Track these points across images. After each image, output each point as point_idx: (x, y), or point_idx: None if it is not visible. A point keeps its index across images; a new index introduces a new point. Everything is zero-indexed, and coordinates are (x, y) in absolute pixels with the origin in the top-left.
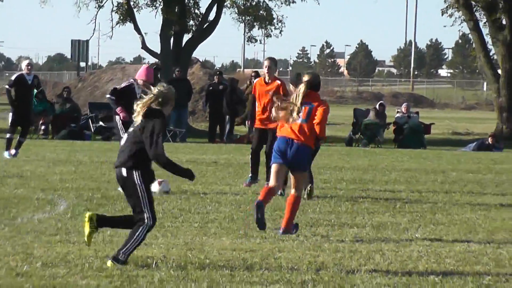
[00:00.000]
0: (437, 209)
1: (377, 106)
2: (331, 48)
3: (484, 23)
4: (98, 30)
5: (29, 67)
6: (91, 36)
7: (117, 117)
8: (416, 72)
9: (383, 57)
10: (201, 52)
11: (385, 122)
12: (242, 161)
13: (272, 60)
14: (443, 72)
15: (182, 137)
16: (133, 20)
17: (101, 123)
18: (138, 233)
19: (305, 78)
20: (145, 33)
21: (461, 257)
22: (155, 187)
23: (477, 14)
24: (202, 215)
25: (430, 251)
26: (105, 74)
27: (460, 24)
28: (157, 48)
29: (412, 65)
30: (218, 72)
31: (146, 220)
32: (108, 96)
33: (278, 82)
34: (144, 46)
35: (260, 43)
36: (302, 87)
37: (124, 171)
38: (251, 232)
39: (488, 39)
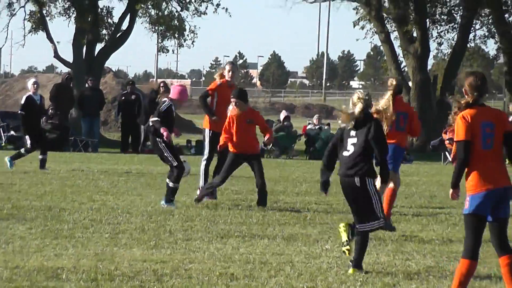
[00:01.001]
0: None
1: (281, 117)
2: (244, 58)
3: (396, 35)
4: (11, 38)
5: (35, 85)
6: (3, 44)
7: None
8: (328, 84)
9: (296, 68)
10: (114, 62)
11: (292, 132)
12: (154, 171)
13: (234, 64)
14: (355, 83)
15: (94, 147)
16: (46, 29)
17: (12, 132)
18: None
19: (393, 82)
20: (57, 42)
21: (370, 268)
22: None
23: (388, 26)
24: (113, 226)
25: (340, 262)
26: (17, 83)
27: (371, 36)
28: (69, 57)
29: (324, 77)
30: (130, 82)
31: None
32: (154, 119)
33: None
34: (57, 55)
35: (173, 53)
36: (389, 95)
37: (357, 180)
38: (162, 243)
39: (399, 51)
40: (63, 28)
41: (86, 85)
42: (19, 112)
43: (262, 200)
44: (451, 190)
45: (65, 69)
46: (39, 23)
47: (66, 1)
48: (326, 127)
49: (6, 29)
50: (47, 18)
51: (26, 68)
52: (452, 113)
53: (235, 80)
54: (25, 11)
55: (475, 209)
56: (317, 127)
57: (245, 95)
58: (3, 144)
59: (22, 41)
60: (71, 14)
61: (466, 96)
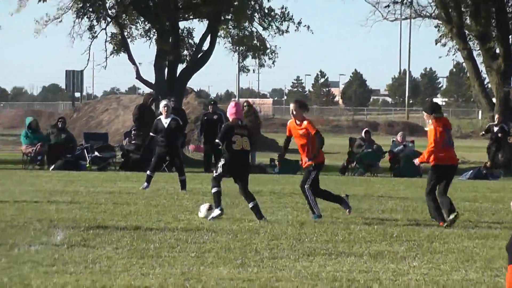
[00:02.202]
0: (434, 238)
1: (363, 134)
2: (326, 77)
3: (478, 52)
4: (93, 61)
5: (165, 108)
6: (85, 67)
7: None
8: (411, 101)
9: (378, 86)
10: (195, 82)
11: (377, 149)
12: (238, 190)
13: (295, 103)
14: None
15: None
16: (127, 51)
17: (96, 153)
18: None
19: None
20: (139, 63)
21: (459, 285)
22: (203, 210)
23: (470, 43)
24: (199, 245)
25: (428, 279)
26: (100, 104)
27: (454, 54)
28: (151, 78)
29: (407, 94)
30: (212, 102)
31: None
32: (216, 141)
33: (305, 122)
34: (139, 76)
35: (254, 72)
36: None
37: None
38: (248, 261)
39: (482, 67)
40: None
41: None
42: (150, 134)
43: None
44: None
45: (147, 90)
46: (121, 45)
47: (146, 22)
48: (410, 144)
49: (88, 51)
50: (128, 40)
51: (108, 90)
52: None
53: (298, 117)
54: (106, 33)
55: None
56: (401, 144)
57: None
58: (87, 165)
59: (104, 63)
60: (151, 35)
61: None
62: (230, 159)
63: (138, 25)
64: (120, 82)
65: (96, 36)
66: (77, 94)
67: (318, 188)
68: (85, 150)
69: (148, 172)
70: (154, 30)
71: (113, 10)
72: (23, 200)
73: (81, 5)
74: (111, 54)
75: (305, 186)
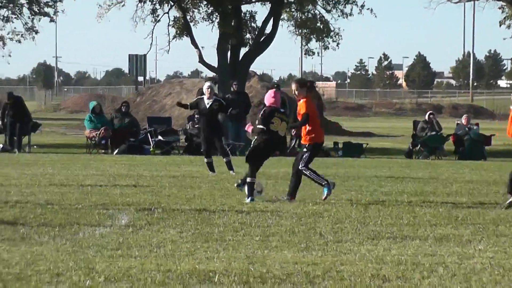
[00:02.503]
0: (500, 221)
1: (427, 117)
2: (389, 60)
3: None
4: (155, 45)
5: (209, 90)
6: (148, 51)
7: None
8: (475, 84)
9: (442, 69)
10: (258, 65)
11: (439, 131)
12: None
13: (296, 82)
14: (503, 83)
15: (241, 151)
16: (190, 34)
17: (160, 137)
18: None
19: None
20: (202, 47)
21: None
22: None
23: None
24: (263, 229)
25: (494, 263)
26: (163, 88)
27: None
28: (214, 62)
29: (471, 77)
30: (275, 85)
31: None
32: (259, 126)
33: (301, 101)
34: (201, 60)
35: (318, 55)
36: None
37: None
38: (312, 245)
39: None
40: (207, 33)
41: (232, 89)
42: (189, 107)
43: None
44: None
45: (210, 74)
46: (183, 28)
47: (209, 6)
48: (475, 127)
49: (151, 35)
50: (191, 24)
51: (171, 74)
52: None
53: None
54: (169, 17)
55: None
56: (466, 127)
57: None
58: (151, 149)
59: (167, 47)
60: (214, 19)
61: None
62: (265, 137)
63: (200, 8)
64: (183, 66)
65: (159, 20)
66: (140, 78)
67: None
68: (148, 134)
69: (205, 160)
70: (216, 14)
71: None
72: (88, 184)
73: None
74: (173, 38)
75: (301, 168)
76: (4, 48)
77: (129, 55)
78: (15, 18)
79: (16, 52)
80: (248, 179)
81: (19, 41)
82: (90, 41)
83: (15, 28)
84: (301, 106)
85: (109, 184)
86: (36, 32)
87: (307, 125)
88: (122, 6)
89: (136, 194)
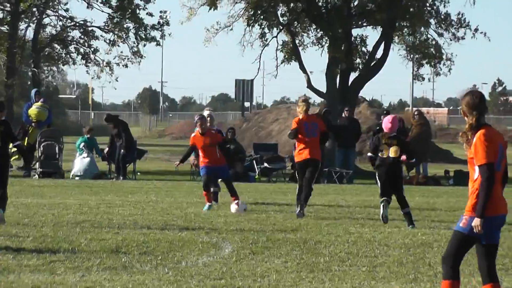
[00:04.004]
0: None
1: None
2: (503, 85)
3: None
4: (263, 69)
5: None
6: (255, 76)
7: None
8: None
9: None
10: (368, 91)
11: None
12: (411, 203)
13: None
14: None
15: (349, 179)
16: (298, 59)
17: (265, 164)
18: None
19: None
20: (310, 72)
21: None
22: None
23: None
24: (370, 259)
25: None
26: (270, 114)
27: None
28: (323, 87)
29: None
30: (385, 112)
31: None
32: (369, 155)
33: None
34: (310, 85)
35: (429, 81)
36: None
37: None
38: (421, 276)
39: None
40: (316, 58)
41: (343, 115)
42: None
43: None
44: (478, 220)
45: (319, 100)
46: (292, 53)
47: (318, 30)
48: None
49: (259, 60)
50: (300, 48)
51: (278, 99)
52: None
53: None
54: (277, 41)
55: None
56: None
57: None
58: (256, 176)
59: (275, 72)
60: (324, 43)
61: (465, 118)
62: (378, 168)
63: (310, 32)
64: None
65: (267, 44)
66: (247, 104)
67: None
68: (254, 161)
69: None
70: (326, 38)
71: (285, 18)
72: (191, 212)
73: (252, 13)
74: (282, 63)
75: None
76: (112, 75)
77: (236, 80)
78: (121, 42)
79: (122, 77)
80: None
81: (126, 66)
82: (196, 66)
83: (121, 52)
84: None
85: (213, 211)
86: (142, 57)
87: None
88: (230, 30)
89: (240, 223)
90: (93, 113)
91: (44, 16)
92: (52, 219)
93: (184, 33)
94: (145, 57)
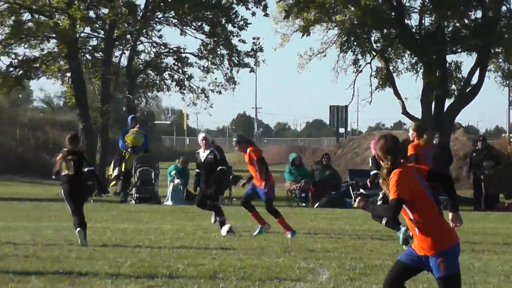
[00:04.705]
0: None
1: None
2: None
3: None
4: (357, 95)
5: (203, 141)
6: (350, 102)
7: None
8: None
9: None
10: (464, 117)
11: None
12: (509, 230)
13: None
14: None
15: (446, 205)
16: (393, 85)
17: (361, 190)
18: None
19: None
20: (405, 98)
21: None
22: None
23: None
24: (469, 286)
25: None
26: (365, 140)
27: None
28: (418, 113)
29: None
30: (481, 138)
31: None
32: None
33: None
34: (405, 111)
35: None
36: None
37: None
38: None
39: None
40: (411, 84)
41: (433, 142)
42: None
43: None
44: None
45: None
46: (386, 79)
47: (413, 56)
48: None
49: (353, 86)
50: (394, 74)
51: (373, 125)
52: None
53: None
54: (371, 67)
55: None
56: None
57: None
58: (352, 203)
59: (369, 98)
60: (418, 69)
61: (381, 162)
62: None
63: (404, 58)
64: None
65: (361, 70)
66: (342, 130)
67: None
68: (350, 187)
69: (219, 218)
70: (420, 64)
71: (378, 44)
72: (288, 237)
73: (345, 39)
74: (376, 89)
75: None
76: (208, 101)
77: (330, 106)
78: (215, 69)
79: (217, 103)
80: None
81: (220, 92)
82: (290, 92)
83: (215, 79)
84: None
85: (310, 238)
86: (236, 83)
87: None
88: (323, 56)
89: (337, 249)
90: (188, 139)
91: (138, 43)
92: (149, 244)
93: (277, 59)
94: (239, 83)
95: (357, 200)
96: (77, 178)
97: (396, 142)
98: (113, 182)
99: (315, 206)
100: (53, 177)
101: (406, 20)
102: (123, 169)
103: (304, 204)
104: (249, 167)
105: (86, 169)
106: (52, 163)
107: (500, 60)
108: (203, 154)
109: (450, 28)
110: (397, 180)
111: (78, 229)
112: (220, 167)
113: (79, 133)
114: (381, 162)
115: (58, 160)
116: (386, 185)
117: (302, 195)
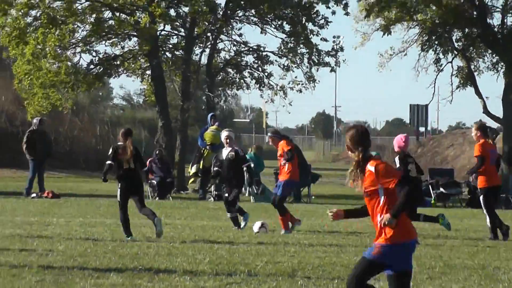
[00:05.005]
0: None
1: None
2: None
3: None
4: (438, 94)
5: (227, 139)
6: (430, 101)
7: None
8: None
9: None
10: None
11: None
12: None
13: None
14: None
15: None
16: (474, 84)
17: (441, 189)
18: None
19: None
20: (486, 97)
21: None
22: (256, 226)
23: None
24: None
25: None
26: (445, 139)
27: None
28: (499, 113)
29: None
30: None
31: None
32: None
33: None
34: (486, 111)
35: None
36: None
37: None
38: None
39: None
40: (492, 83)
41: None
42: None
43: None
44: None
45: (495, 125)
46: (467, 78)
47: (494, 55)
48: None
49: (433, 85)
50: (475, 73)
51: (453, 124)
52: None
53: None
54: (452, 66)
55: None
56: None
57: None
58: (432, 201)
59: (450, 97)
60: (499, 68)
61: (350, 153)
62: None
63: (485, 58)
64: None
65: (442, 69)
66: (422, 129)
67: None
68: (430, 186)
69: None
70: (502, 63)
71: (460, 43)
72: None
73: (426, 38)
74: (457, 88)
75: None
76: (286, 98)
77: (410, 105)
78: (295, 67)
79: (296, 101)
80: None
81: (300, 91)
82: (370, 91)
83: (295, 77)
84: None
85: None
86: (316, 81)
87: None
88: (404, 55)
89: (417, 248)
90: (267, 137)
91: (218, 41)
92: (228, 241)
93: (357, 58)
94: (319, 81)
95: (331, 215)
96: (137, 173)
97: (367, 135)
98: (192, 180)
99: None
100: (105, 171)
101: (488, 19)
102: (201, 167)
103: None
104: (279, 163)
105: (143, 169)
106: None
107: None
108: (225, 152)
109: None
110: (386, 165)
111: (156, 218)
112: (247, 164)
113: (158, 130)
114: (349, 153)
115: (120, 155)
116: (354, 176)
117: None
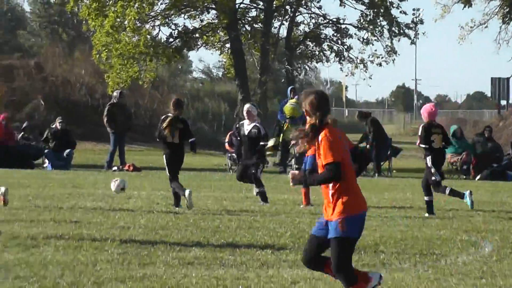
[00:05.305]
0: None
1: None
2: None
3: None
4: None
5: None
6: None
7: None
8: None
9: None
10: None
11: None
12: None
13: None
14: None
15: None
16: None
17: None
18: None
19: None
20: None
21: None
22: (112, 185)
23: None
24: None
25: None
26: None
27: None
28: None
29: None
30: None
31: None
32: (422, 146)
33: None
34: None
35: None
36: None
37: None
38: None
39: None
40: None
41: None
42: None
43: None
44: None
45: None
46: None
47: None
48: None
49: None
50: None
51: None
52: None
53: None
54: None
55: (358, 232)
56: None
57: None
58: None
59: None
60: None
61: (308, 118)
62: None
63: None
64: None
65: None
66: (503, 102)
67: None
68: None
69: (258, 189)
70: None
71: None
72: (450, 210)
73: (507, 10)
74: None
75: None
76: (366, 72)
77: (492, 78)
78: (375, 40)
79: (376, 74)
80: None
81: (380, 64)
82: (451, 64)
83: (375, 50)
84: None
85: (470, 210)
86: (396, 53)
87: None
88: (485, 28)
89: (500, 222)
90: (346, 110)
91: (297, 14)
92: (309, 215)
93: (437, 31)
94: (399, 54)
95: (290, 178)
96: (180, 148)
97: (326, 100)
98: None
99: (476, 179)
100: (157, 140)
101: None
102: (281, 140)
103: (464, 177)
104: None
105: (189, 140)
106: (210, 134)
107: None
108: (247, 127)
109: None
110: (331, 142)
111: (188, 190)
112: (261, 143)
113: (238, 103)
114: (307, 117)
115: (166, 126)
116: (305, 140)
117: (463, 167)
